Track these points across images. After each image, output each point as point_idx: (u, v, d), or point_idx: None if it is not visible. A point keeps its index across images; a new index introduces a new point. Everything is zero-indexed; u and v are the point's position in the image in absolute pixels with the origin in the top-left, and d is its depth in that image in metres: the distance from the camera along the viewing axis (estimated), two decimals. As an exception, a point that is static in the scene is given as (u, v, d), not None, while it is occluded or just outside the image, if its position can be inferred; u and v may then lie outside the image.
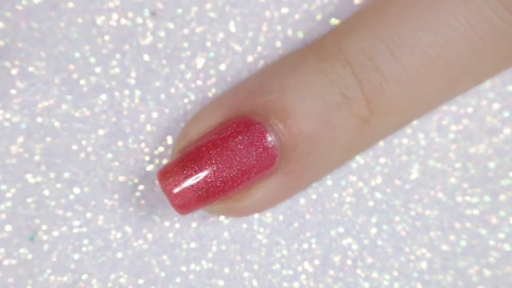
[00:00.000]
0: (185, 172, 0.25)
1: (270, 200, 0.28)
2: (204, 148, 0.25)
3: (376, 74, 0.26)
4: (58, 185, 0.28)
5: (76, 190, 0.28)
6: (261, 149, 0.26)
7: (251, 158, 0.25)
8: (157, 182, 0.29)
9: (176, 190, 0.25)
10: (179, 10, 0.29)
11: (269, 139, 0.26)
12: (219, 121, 0.26)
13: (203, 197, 0.25)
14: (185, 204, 0.26)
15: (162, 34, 0.28)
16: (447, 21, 0.25)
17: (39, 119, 0.28)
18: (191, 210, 0.26)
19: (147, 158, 0.29)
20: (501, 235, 0.29)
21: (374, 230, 0.29)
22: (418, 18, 0.26)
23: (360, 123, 0.26)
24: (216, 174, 0.25)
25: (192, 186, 0.25)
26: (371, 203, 0.29)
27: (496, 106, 0.29)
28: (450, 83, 0.26)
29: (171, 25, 0.29)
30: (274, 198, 0.28)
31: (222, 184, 0.25)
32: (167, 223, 0.29)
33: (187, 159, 0.25)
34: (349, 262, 0.29)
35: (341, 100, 0.26)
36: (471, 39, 0.25)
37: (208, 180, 0.25)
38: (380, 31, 0.26)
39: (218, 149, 0.25)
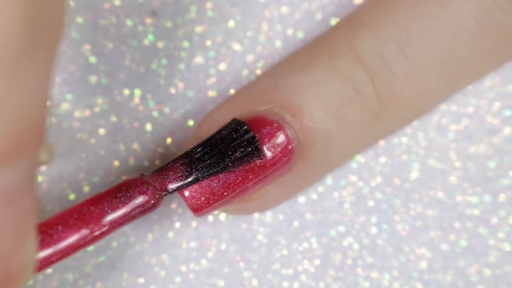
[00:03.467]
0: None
1: (283, 198, 0.28)
2: None
3: (386, 70, 0.26)
4: (58, 185, 0.28)
5: (76, 189, 0.28)
6: (278, 147, 0.25)
7: (268, 157, 0.25)
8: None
9: (189, 192, 0.25)
10: (179, 10, 0.29)
11: (287, 137, 0.25)
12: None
13: (219, 198, 0.25)
14: (201, 205, 0.26)
15: (162, 33, 0.28)
16: (455, 18, 0.26)
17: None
18: (207, 212, 0.26)
19: (147, 158, 0.29)
20: (501, 235, 0.30)
21: (374, 230, 0.29)
22: (426, 15, 0.26)
23: (372, 118, 0.26)
24: (231, 174, 0.25)
25: (207, 186, 0.25)
26: (371, 203, 0.29)
27: (496, 105, 0.29)
28: (457, 78, 0.27)
29: (171, 25, 0.29)
30: (288, 195, 0.28)
31: (238, 184, 0.25)
32: (167, 223, 0.29)
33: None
34: (349, 261, 0.29)
35: (355, 95, 0.26)
36: (478, 36, 0.26)
37: (223, 180, 0.25)
38: (388, 28, 0.26)
39: None
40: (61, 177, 0.28)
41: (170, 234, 0.29)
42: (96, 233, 0.24)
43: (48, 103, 0.18)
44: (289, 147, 0.25)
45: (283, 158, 0.25)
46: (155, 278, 0.29)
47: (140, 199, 0.25)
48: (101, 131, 0.28)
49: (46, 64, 0.17)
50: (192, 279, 0.29)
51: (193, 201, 0.26)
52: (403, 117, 0.27)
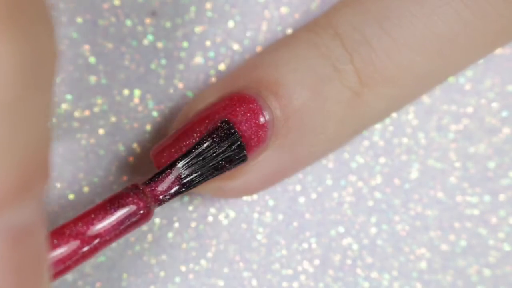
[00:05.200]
0: (177, 147, 0.25)
1: (263, 179, 0.27)
2: (196, 124, 0.25)
3: (366, 47, 0.26)
4: (58, 185, 0.28)
5: (76, 189, 0.28)
6: (253, 123, 0.25)
7: (243, 133, 0.25)
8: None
9: None
10: (179, 10, 0.29)
11: (261, 112, 0.25)
12: (214, 99, 0.26)
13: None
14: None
15: (162, 33, 0.28)
16: None
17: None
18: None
19: (146, 158, 0.29)
20: (501, 235, 0.29)
21: (373, 230, 0.29)
22: None
23: (352, 95, 0.26)
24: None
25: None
26: (370, 203, 0.29)
27: (495, 105, 0.29)
28: (439, 55, 0.26)
29: (170, 25, 0.29)
30: (268, 176, 0.27)
31: None
32: (166, 223, 0.29)
33: (180, 135, 0.25)
34: (348, 261, 0.29)
35: (332, 72, 0.26)
36: (459, 10, 0.26)
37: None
38: (369, 4, 0.26)
39: (209, 123, 0.25)
40: (61, 177, 0.28)
41: (170, 234, 0.29)
42: (86, 247, 0.23)
43: (49, 138, 0.18)
44: (263, 122, 0.25)
45: (257, 133, 0.25)
46: (154, 278, 0.29)
47: (129, 208, 0.24)
48: (101, 131, 0.28)
49: (43, 104, 0.18)
50: (192, 279, 0.29)
51: None
52: (387, 95, 0.27)
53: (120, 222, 0.24)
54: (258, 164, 0.26)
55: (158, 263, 0.29)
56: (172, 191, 0.25)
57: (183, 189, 0.25)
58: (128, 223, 0.24)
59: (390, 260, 0.29)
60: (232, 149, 0.25)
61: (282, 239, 0.29)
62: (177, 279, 0.29)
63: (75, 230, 0.24)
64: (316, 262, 0.29)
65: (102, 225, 0.24)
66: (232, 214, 0.29)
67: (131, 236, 0.29)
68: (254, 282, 0.29)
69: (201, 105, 0.26)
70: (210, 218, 0.29)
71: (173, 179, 0.25)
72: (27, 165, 0.17)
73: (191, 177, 0.25)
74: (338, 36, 0.26)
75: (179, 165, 0.25)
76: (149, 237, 0.29)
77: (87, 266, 0.28)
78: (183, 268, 0.29)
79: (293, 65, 0.26)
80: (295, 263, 0.29)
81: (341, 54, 0.26)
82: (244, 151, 0.25)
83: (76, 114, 0.28)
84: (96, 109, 0.28)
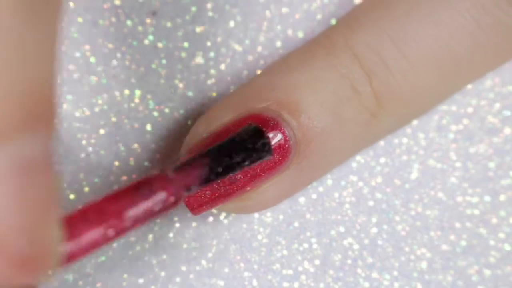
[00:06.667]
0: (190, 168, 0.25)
1: (281, 196, 0.28)
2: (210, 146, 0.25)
3: (383, 68, 0.26)
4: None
5: (77, 189, 0.28)
6: (274, 145, 0.25)
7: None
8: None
9: None
10: (179, 10, 0.29)
11: (283, 135, 0.25)
12: (230, 119, 0.26)
13: (215, 196, 0.25)
14: (198, 204, 0.25)
15: (162, 33, 0.28)
16: (452, 15, 0.26)
17: (39, 119, 0.28)
18: (203, 210, 0.26)
19: (147, 158, 0.29)
20: (501, 235, 0.30)
21: (374, 230, 0.29)
22: (423, 12, 0.26)
23: (369, 117, 0.26)
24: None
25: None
26: (371, 203, 0.29)
27: (496, 105, 0.29)
28: (455, 75, 0.27)
29: (171, 25, 0.29)
30: (286, 193, 0.28)
31: (235, 183, 0.25)
32: (167, 223, 0.29)
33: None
34: (349, 261, 0.29)
35: (352, 93, 0.26)
36: (474, 32, 0.26)
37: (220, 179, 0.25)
38: (385, 25, 0.26)
39: None
40: (61, 177, 0.28)
41: (170, 234, 0.29)
42: (118, 229, 0.23)
43: (54, 81, 0.18)
44: (286, 145, 0.25)
45: (279, 156, 0.25)
46: (155, 278, 0.29)
47: (162, 195, 0.23)
48: (101, 131, 0.28)
49: (48, 38, 0.17)
50: (192, 279, 0.29)
51: (190, 199, 0.25)
52: (402, 116, 0.27)
53: (152, 207, 0.23)
54: (278, 183, 0.26)
55: (159, 263, 0.29)
56: (202, 178, 0.24)
57: (214, 179, 0.24)
58: (159, 208, 0.23)
59: (390, 260, 0.29)
60: (260, 149, 0.25)
61: (282, 239, 0.29)
62: (178, 279, 0.29)
63: (109, 214, 0.23)
64: (317, 262, 0.29)
65: (135, 211, 0.23)
66: (232, 214, 0.29)
67: (131, 236, 0.29)
68: (254, 282, 0.29)
69: (213, 125, 0.26)
70: (211, 218, 0.29)
71: (205, 169, 0.24)
72: (33, 97, 0.16)
73: (222, 167, 0.24)
74: (356, 57, 0.26)
75: (210, 157, 0.24)
76: (150, 237, 0.29)
77: (88, 266, 0.28)
78: (183, 268, 0.29)
79: (314, 87, 0.26)
80: (296, 263, 0.29)
81: (360, 75, 0.26)
82: (271, 151, 0.25)
83: (77, 114, 0.28)
84: (96, 109, 0.28)
